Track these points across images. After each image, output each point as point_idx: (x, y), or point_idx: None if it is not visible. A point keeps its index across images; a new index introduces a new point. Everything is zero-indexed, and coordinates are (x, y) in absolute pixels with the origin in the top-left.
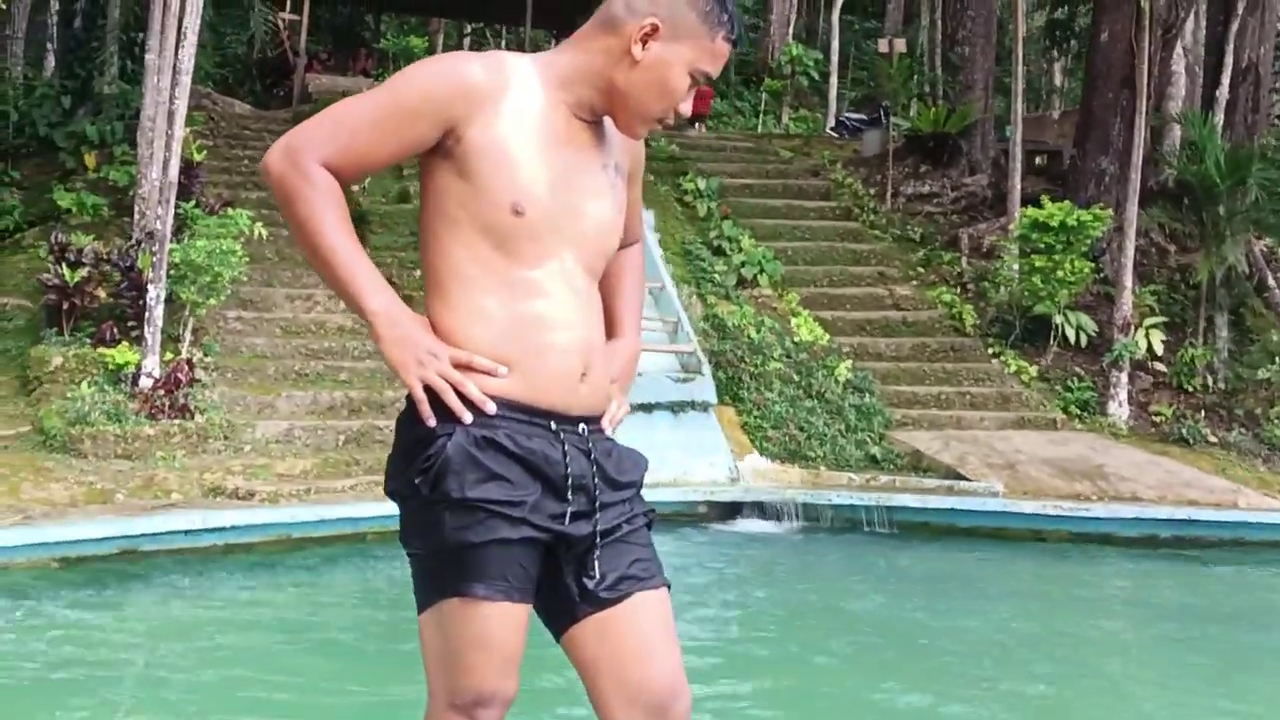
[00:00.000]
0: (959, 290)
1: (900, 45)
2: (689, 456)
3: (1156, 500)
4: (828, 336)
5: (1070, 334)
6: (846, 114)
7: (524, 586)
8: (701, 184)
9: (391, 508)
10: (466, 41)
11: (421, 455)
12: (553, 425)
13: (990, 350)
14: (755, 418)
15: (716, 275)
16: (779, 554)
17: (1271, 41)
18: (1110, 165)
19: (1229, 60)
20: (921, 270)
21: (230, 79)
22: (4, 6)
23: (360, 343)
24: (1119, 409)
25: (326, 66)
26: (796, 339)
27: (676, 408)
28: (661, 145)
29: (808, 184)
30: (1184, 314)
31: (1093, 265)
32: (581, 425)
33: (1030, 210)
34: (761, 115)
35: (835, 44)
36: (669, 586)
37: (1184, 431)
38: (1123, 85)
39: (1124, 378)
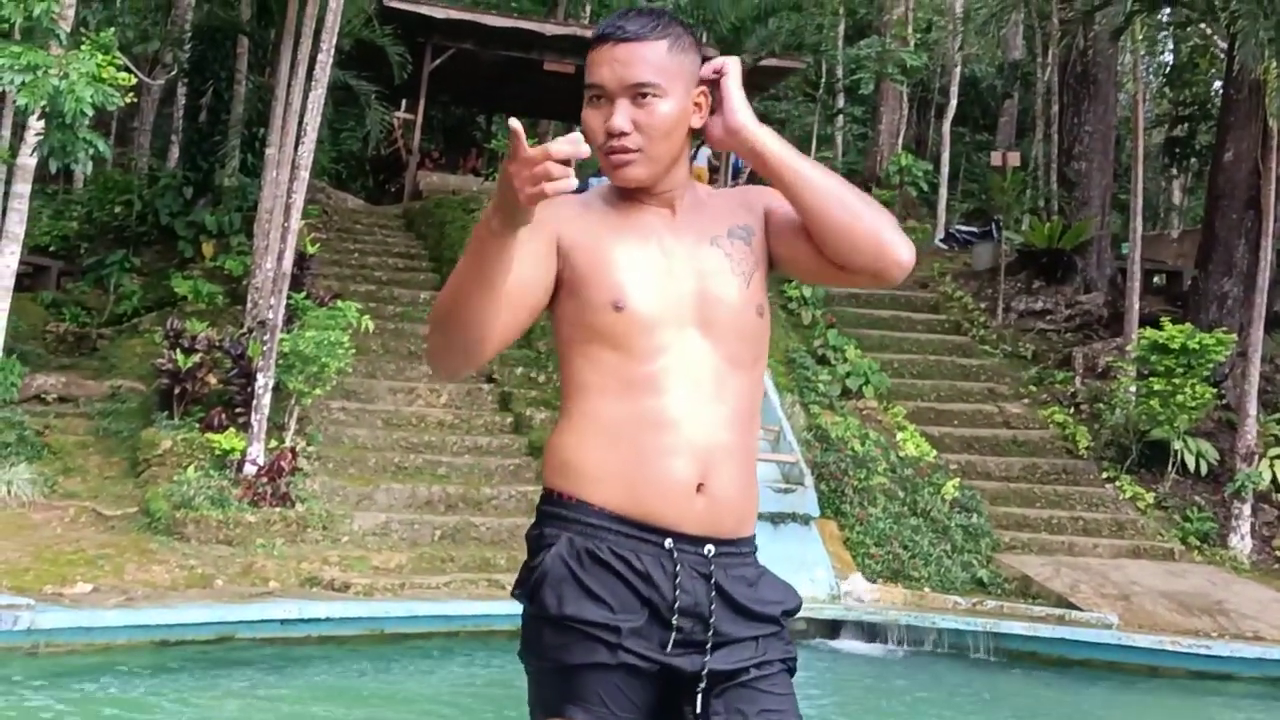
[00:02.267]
0: (1072, 411)
1: (1014, 158)
2: (789, 570)
3: None
4: (934, 453)
5: (1190, 461)
6: (957, 226)
7: (628, 715)
8: (806, 291)
9: (483, 607)
10: None
11: (528, 565)
12: (667, 544)
13: (1105, 474)
14: (858, 534)
15: (821, 385)
16: (881, 677)
17: None
18: (1234, 288)
19: None
20: (1033, 389)
21: (344, 174)
22: (133, 100)
23: (459, 438)
24: (1241, 542)
25: (437, 164)
26: (902, 454)
27: (777, 519)
28: None
29: (916, 296)
30: None
31: (1214, 391)
32: (708, 546)
33: (1149, 331)
34: None
35: (945, 155)
36: None
37: None
38: (1247, 206)
39: (1246, 509)
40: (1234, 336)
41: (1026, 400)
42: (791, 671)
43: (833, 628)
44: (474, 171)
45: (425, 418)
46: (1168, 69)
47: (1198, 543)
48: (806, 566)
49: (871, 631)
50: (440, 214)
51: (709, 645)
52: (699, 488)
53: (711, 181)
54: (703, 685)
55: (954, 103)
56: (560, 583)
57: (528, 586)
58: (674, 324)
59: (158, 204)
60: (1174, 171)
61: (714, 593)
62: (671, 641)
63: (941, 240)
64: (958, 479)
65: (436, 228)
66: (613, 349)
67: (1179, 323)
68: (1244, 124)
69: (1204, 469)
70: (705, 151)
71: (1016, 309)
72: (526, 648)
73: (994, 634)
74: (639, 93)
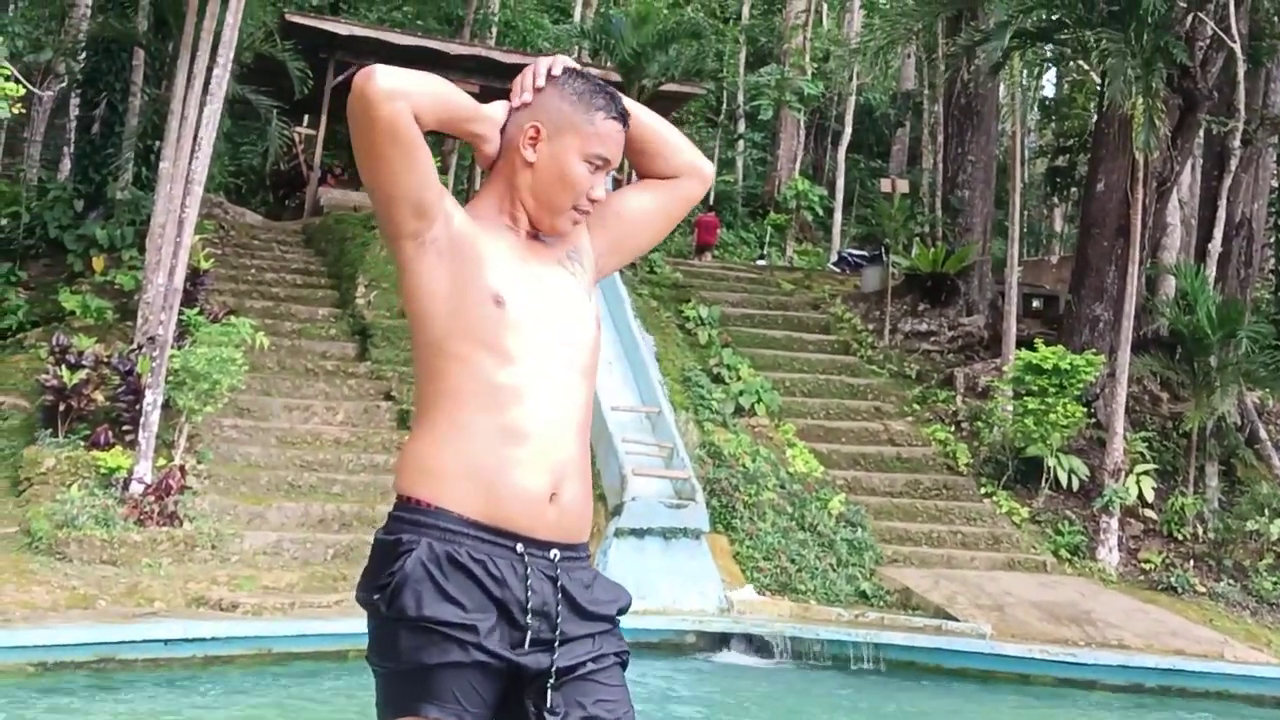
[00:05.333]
0: (953, 428)
1: (903, 185)
2: (679, 584)
3: (1143, 648)
4: (822, 469)
5: (1062, 477)
6: (848, 250)
7: (478, 711)
8: (704, 312)
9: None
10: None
11: (385, 570)
12: (519, 548)
13: (983, 490)
14: (747, 547)
15: (714, 403)
16: (765, 688)
17: (1265, 198)
18: (1104, 312)
19: (1222, 214)
20: (917, 407)
21: (244, 189)
22: (22, 110)
23: (355, 455)
24: (1109, 554)
25: (340, 180)
26: (791, 470)
27: (669, 534)
28: (666, 272)
29: (808, 317)
30: (1175, 462)
31: (1085, 410)
32: (553, 551)
33: (1024, 353)
34: (766, 247)
35: (840, 180)
36: None
37: (1173, 580)
38: (1118, 235)
39: (1114, 523)
40: (1103, 358)
41: (910, 418)
42: (624, 665)
43: (721, 640)
44: None
45: (321, 435)
46: (1048, 102)
47: (1069, 555)
48: (696, 580)
49: (758, 644)
50: (340, 230)
51: (556, 643)
52: (552, 497)
53: None
54: (553, 681)
55: (849, 130)
56: (420, 585)
57: (386, 591)
58: (541, 328)
59: (46, 216)
60: (1055, 200)
61: (559, 595)
62: (528, 640)
63: (834, 263)
64: (844, 494)
65: (337, 244)
66: (486, 349)
67: (1053, 344)
68: (1114, 156)
69: (1075, 484)
70: (609, 175)
71: (903, 330)
72: (378, 651)
73: (875, 644)
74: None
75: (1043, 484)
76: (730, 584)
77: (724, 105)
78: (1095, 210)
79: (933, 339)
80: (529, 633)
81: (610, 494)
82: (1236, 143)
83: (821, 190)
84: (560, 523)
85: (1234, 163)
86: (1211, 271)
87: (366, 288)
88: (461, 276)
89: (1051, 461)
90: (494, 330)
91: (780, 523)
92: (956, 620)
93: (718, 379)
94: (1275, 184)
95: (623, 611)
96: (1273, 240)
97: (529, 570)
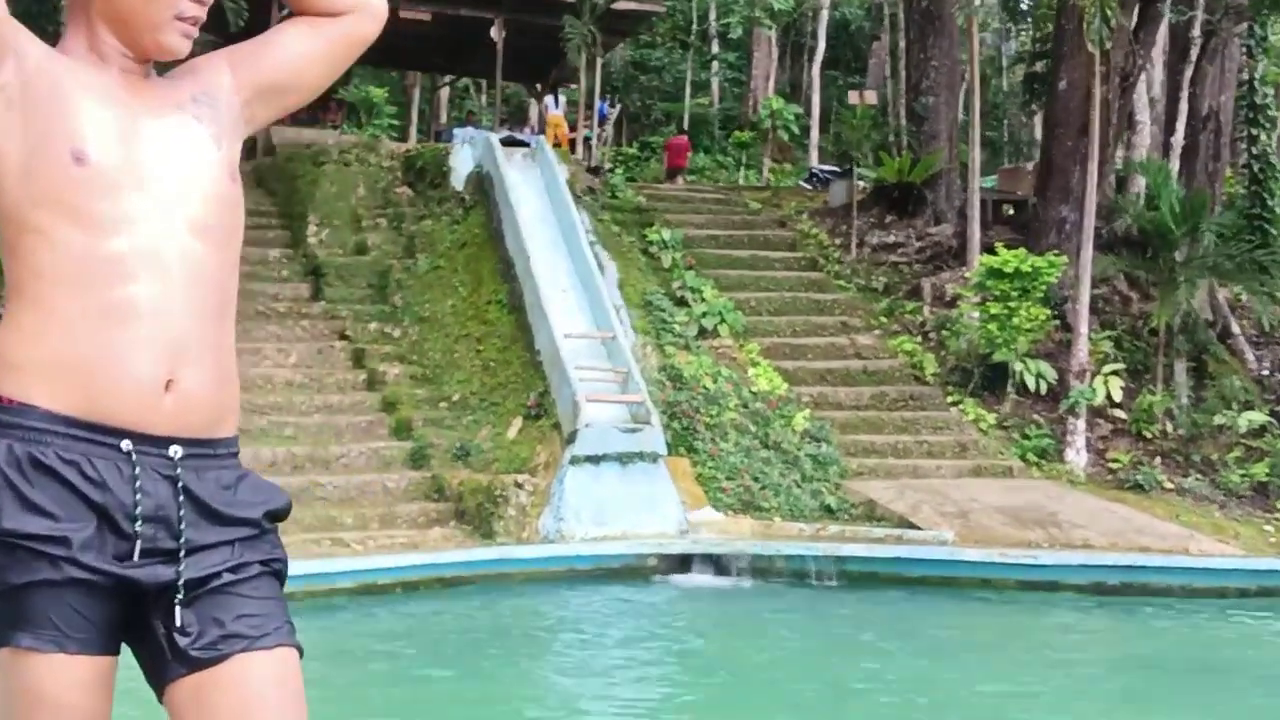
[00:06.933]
0: (921, 339)
1: (870, 97)
2: (638, 509)
3: (1108, 547)
4: (786, 386)
5: (1030, 381)
6: (819, 166)
7: (85, 636)
8: (666, 235)
9: (321, 566)
10: (444, 93)
11: None
12: (125, 446)
13: (950, 399)
14: (710, 468)
15: (677, 326)
16: (726, 607)
17: (1232, 90)
18: (1071, 213)
19: (1184, 107)
20: (884, 320)
21: None
22: None
23: (309, 397)
24: (1076, 456)
25: (294, 119)
26: (754, 389)
27: (625, 459)
28: (628, 197)
29: (774, 235)
30: (1146, 361)
31: (1050, 312)
32: (174, 448)
33: (986, 258)
34: (743, 168)
35: (815, 98)
36: (299, 650)
37: (1140, 478)
38: (1081, 134)
39: (1081, 424)
40: (1065, 259)
41: (878, 331)
42: (279, 575)
43: (683, 563)
44: (333, 125)
45: (272, 379)
46: (1023, 7)
47: (1036, 459)
48: (656, 504)
49: (720, 564)
50: (291, 169)
51: (181, 553)
52: (168, 385)
53: (572, 131)
54: (180, 596)
55: (822, 46)
56: None
57: None
58: (141, 188)
59: None
60: (1034, 107)
61: (182, 496)
62: (137, 551)
63: (805, 180)
64: (808, 410)
65: (287, 183)
66: (70, 218)
67: (1017, 249)
68: (1075, 54)
69: (1043, 388)
70: (563, 99)
71: (870, 243)
72: None
73: (836, 558)
74: None
75: (1009, 389)
76: (691, 506)
77: (694, 26)
78: (1059, 110)
79: (900, 250)
80: (138, 541)
81: (564, 421)
82: (1196, 32)
83: (797, 108)
84: (181, 414)
85: (1195, 53)
86: (1176, 165)
87: (318, 226)
88: (35, 129)
89: (1018, 366)
90: (78, 193)
91: (743, 442)
92: (919, 529)
93: (681, 302)
94: (1243, 75)
95: (275, 516)
96: (1243, 134)
97: (138, 470)
